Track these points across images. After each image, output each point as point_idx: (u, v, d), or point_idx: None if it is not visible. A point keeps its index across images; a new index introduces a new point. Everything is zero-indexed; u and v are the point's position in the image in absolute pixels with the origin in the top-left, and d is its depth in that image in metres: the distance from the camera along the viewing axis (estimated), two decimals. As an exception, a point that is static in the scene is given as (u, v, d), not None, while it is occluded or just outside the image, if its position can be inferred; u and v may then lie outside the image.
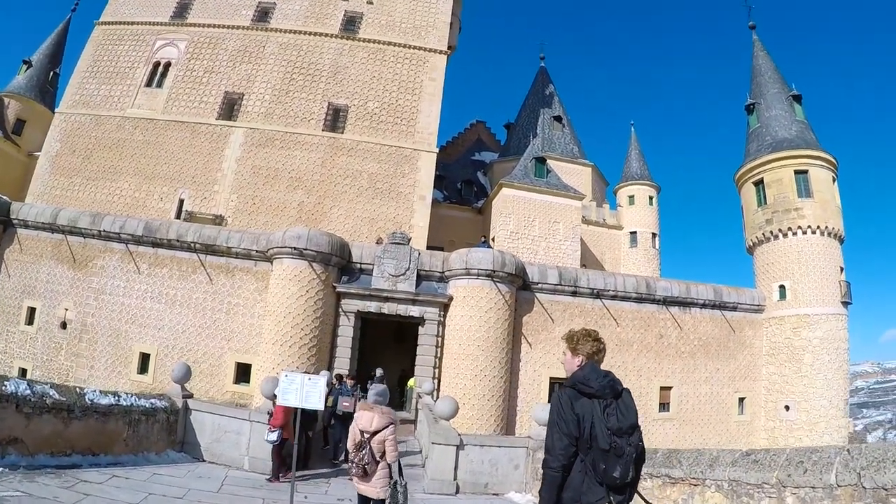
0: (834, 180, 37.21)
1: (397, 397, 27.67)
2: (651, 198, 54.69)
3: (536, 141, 46.63)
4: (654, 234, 53.51)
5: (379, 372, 20.92)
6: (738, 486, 7.26)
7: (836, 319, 34.68)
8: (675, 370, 30.62)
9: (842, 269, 36.17)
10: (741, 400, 33.96)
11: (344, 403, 14.88)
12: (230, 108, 36.35)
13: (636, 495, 4.31)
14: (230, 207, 33.97)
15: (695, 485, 7.94)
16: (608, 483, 3.97)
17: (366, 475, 7.08)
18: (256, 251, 26.29)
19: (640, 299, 30.23)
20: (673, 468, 8.17)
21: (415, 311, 25.61)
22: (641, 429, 4.22)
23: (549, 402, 26.89)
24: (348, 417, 13.28)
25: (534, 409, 11.99)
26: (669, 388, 30.83)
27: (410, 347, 26.64)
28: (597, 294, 28.76)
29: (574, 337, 4.54)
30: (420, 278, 26.01)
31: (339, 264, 25.71)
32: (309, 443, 14.74)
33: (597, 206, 51.78)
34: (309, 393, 10.20)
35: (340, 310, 25.64)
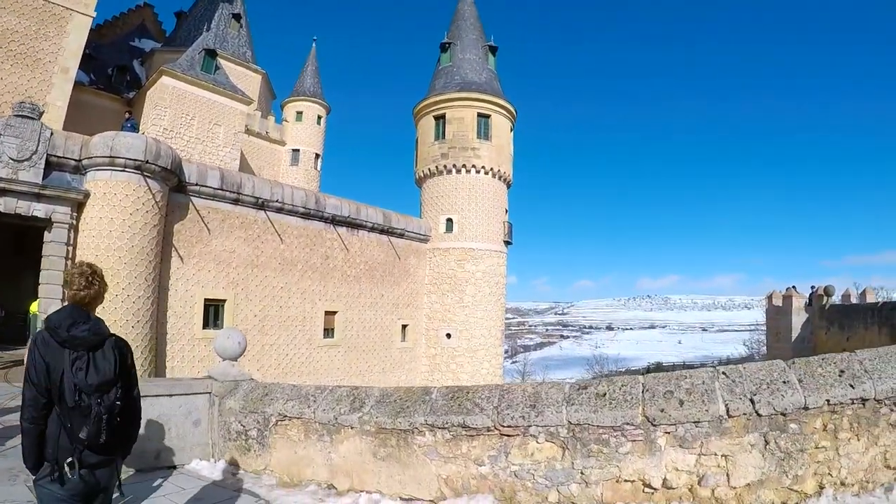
0: (511, 129, 40.03)
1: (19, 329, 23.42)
2: (320, 117, 54.58)
3: (209, 35, 42.12)
4: (317, 155, 53.74)
5: None
6: (583, 432, 5.99)
7: (497, 256, 37.65)
8: (340, 294, 29.65)
9: (506, 211, 39.19)
10: (404, 327, 35.65)
11: None
12: None
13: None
14: None
15: (510, 435, 6.36)
16: (78, 443, 3.65)
17: None
18: None
19: (307, 215, 29.29)
20: (470, 414, 6.56)
21: (40, 209, 20.98)
22: (133, 388, 4.11)
23: (204, 328, 24.16)
24: None
25: (218, 338, 9.91)
26: (335, 312, 30.65)
27: (36, 262, 21.83)
28: (262, 204, 27.04)
29: (68, 274, 4.02)
30: (50, 166, 21.47)
31: None
32: None
33: (261, 118, 49.81)
34: None
35: None
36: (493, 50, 41.56)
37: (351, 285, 31.18)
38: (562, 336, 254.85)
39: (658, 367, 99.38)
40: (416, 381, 34.81)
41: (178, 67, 37.49)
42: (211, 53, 39.97)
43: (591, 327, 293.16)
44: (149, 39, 50.95)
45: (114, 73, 43.31)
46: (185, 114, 36.97)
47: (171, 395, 8.84)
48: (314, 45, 57.94)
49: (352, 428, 7.27)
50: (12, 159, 20.52)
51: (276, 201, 27.28)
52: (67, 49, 29.49)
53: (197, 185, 24.47)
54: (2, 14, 27.76)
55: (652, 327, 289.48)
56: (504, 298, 38.85)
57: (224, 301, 25.47)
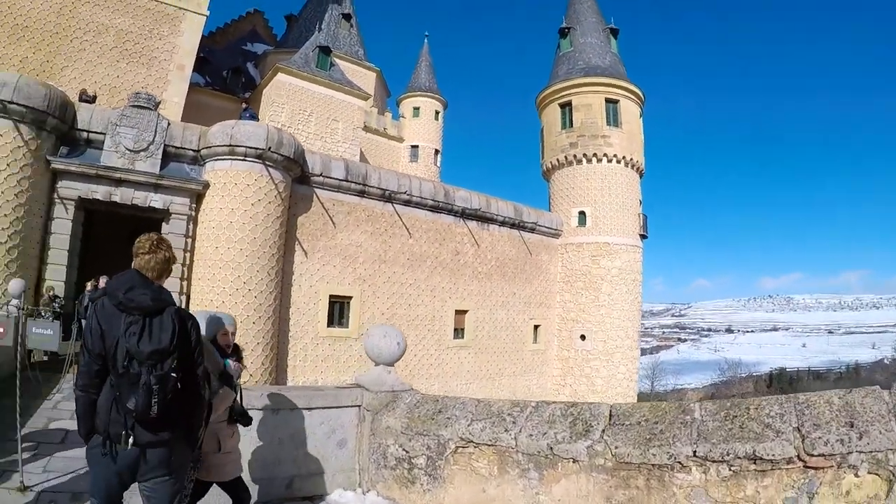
0: (640, 115, 37.21)
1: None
2: (437, 112, 52.65)
3: (321, 34, 40.98)
4: (436, 151, 51.77)
5: (103, 281, 15.34)
6: None
7: (633, 251, 34.70)
8: (471, 292, 27.48)
9: (640, 202, 36.24)
10: (536, 328, 33.05)
11: None
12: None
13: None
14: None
15: (819, 467, 4.03)
16: (127, 413, 3.31)
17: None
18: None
19: (436, 208, 27.10)
20: (761, 440, 4.19)
21: (157, 200, 19.68)
22: (197, 368, 3.68)
23: (328, 326, 22.16)
24: None
25: (370, 337, 7.57)
26: (465, 311, 28.34)
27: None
28: (389, 197, 25.04)
29: (136, 242, 3.69)
30: (168, 157, 20.12)
31: (58, 130, 19.00)
32: None
33: (378, 114, 48.28)
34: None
35: (56, 195, 18.90)
36: (614, 32, 38.98)
37: (482, 283, 28.82)
38: (679, 339, 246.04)
39: (781, 373, 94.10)
40: (548, 386, 32.28)
41: (294, 64, 36.43)
42: (325, 50, 38.74)
43: (709, 330, 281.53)
44: (261, 44, 50.74)
45: (228, 75, 43.04)
46: (303, 110, 35.69)
47: (309, 409, 6.68)
48: (426, 40, 56.45)
49: (574, 461, 4.75)
50: (129, 150, 19.20)
51: (404, 193, 25.24)
52: (182, 47, 28.91)
53: (321, 175, 22.71)
54: (116, 15, 27.47)
55: (774, 329, 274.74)
56: (640, 297, 35.56)
57: (350, 298, 23.70)
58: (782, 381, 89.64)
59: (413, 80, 53.49)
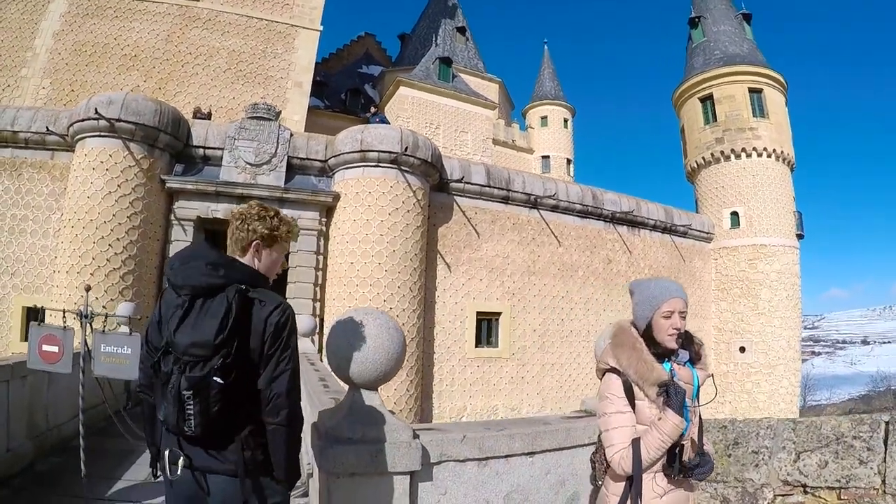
0: (785, 104, 33.68)
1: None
2: (566, 120, 49.89)
3: (438, 49, 39.19)
4: (568, 160, 48.71)
5: None
6: None
7: (791, 252, 30.84)
8: (626, 304, 22.87)
9: (793, 199, 32.53)
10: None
11: None
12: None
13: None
14: (40, 96, 24.51)
15: None
16: (167, 427, 2.51)
17: None
18: (54, 134, 17.13)
19: (584, 213, 24.00)
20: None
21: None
22: (281, 373, 2.48)
23: (476, 346, 19.59)
24: None
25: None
26: None
27: (281, 280, 17.66)
28: (534, 202, 22.12)
29: None
30: (292, 170, 17.88)
31: (171, 148, 17.12)
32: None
33: (505, 126, 45.82)
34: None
35: (173, 216, 17.00)
36: (747, 18, 35.51)
37: (636, 294, 25.07)
38: (813, 353, 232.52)
39: None
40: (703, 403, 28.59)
41: (415, 77, 34.92)
42: (446, 61, 37.31)
43: (844, 341, 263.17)
44: (376, 65, 49.56)
45: (347, 96, 41.78)
46: (430, 123, 33.82)
47: (531, 454, 4.25)
48: (545, 47, 53.90)
49: None
50: (249, 164, 16.93)
51: (550, 198, 22.22)
52: (298, 64, 27.23)
53: (461, 181, 19.98)
54: (226, 37, 26.39)
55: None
56: (800, 303, 31.35)
57: (499, 314, 20.92)
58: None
59: (537, 88, 51.02)
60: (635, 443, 2.75)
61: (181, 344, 2.33)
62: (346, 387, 3.64)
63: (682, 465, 2.78)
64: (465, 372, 19.88)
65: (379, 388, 3.67)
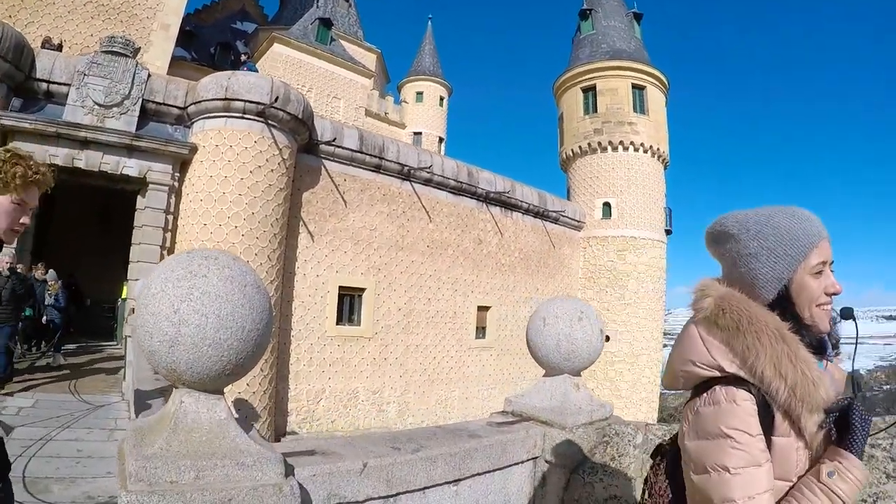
0: (665, 104, 34.74)
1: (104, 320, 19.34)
2: (442, 98, 49.52)
3: (318, 10, 37.74)
4: (440, 139, 48.25)
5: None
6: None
7: (659, 246, 31.98)
8: (494, 286, 23.93)
9: (665, 195, 33.71)
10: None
11: None
12: None
13: None
14: None
15: None
16: None
17: None
18: None
19: (458, 190, 23.37)
20: None
21: (132, 166, 15.47)
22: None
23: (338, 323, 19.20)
24: None
25: (548, 315, 4.27)
26: (487, 308, 24.60)
27: (126, 235, 16.45)
28: (408, 174, 21.20)
29: None
30: (147, 115, 16.01)
31: (10, 79, 14.82)
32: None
33: (379, 97, 44.74)
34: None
35: None
36: (637, 17, 36.18)
37: (505, 276, 25.12)
38: (662, 345, 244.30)
39: None
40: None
41: (291, 36, 33.68)
42: (325, 23, 36.01)
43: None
44: (251, 23, 46.82)
45: (216, 51, 39.17)
46: (302, 85, 32.40)
47: (457, 482, 3.26)
48: (429, 23, 53.08)
49: None
50: (98, 104, 15.20)
51: (425, 170, 21.33)
52: (167, 4, 24.83)
53: (332, 144, 18.61)
54: None
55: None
56: (665, 297, 32.57)
57: (363, 290, 19.71)
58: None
59: (416, 64, 50.14)
60: None
61: None
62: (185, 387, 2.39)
63: None
64: (324, 351, 18.65)
65: (226, 389, 2.47)
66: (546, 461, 3.77)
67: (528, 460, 3.64)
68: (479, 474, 3.33)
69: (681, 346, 1.81)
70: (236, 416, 2.35)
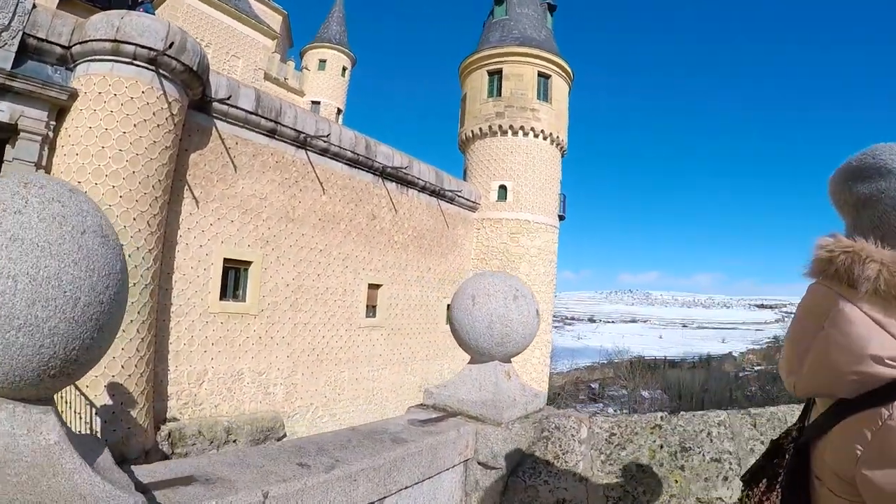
0: (568, 95, 35.78)
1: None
2: (345, 68, 48.61)
3: None
4: (339, 110, 47.26)
5: None
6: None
7: (552, 231, 33.01)
8: (386, 264, 23.66)
9: (560, 182, 34.78)
10: (448, 307, 27.72)
11: None
12: None
13: None
14: None
15: None
16: None
17: None
18: None
19: (354, 162, 22.66)
20: None
21: (3, 109, 13.73)
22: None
23: (221, 298, 18.16)
24: None
25: (470, 304, 3.58)
26: (378, 286, 24.21)
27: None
28: (303, 142, 20.28)
29: None
30: (26, 52, 14.18)
31: None
32: None
33: (280, 62, 43.27)
34: None
35: None
36: (551, 9, 36.69)
37: (398, 254, 24.72)
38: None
39: (640, 360, 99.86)
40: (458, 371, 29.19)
41: None
42: None
43: (573, 318, 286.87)
44: None
45: None
46: (200, 39, 30.34)
47: (382, 500, 2.76)
48: (342, -9, 52.22)
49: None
50: (-32, 36, 13.67)
51: (322, 139, 20.41)
52: None
53: (226, 102, 17.38)
54: None
55: (633, 321, 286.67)
56: (555, 280, 33.50)
57: (249, 263, 18.49)
58: (642, 367, 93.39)
59: (322, 30, 48.54)
60: None
61: None
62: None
63: None
64: (206, 329, 17.34)
65: (56, 396, 1.69)
66: (480, 463, 3.43)
67: (459, 464, 3.27)
68: (406, 487, 2.91)
69: (844, 337, 1.25)
70: (93, 429, 1.69)
